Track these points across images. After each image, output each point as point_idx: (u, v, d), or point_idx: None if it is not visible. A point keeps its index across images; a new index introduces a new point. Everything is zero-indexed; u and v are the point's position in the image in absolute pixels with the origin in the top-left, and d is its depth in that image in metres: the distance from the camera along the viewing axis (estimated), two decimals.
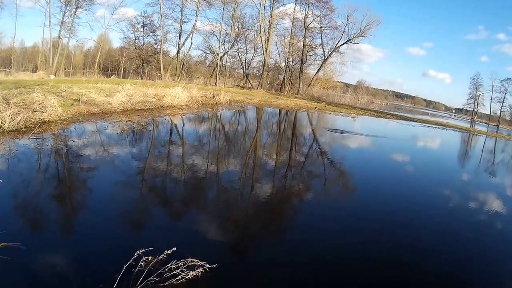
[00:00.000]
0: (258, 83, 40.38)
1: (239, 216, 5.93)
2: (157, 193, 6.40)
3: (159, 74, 36.09)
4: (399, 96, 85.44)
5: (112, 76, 35.08)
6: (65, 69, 37.62)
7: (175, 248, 3.51)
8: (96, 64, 41.05)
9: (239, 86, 41.55)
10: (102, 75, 34.42)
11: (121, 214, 5.17)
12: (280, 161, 10.36)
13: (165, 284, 3.39)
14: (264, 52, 39.05)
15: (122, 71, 42.28)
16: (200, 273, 3.51)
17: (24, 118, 8.98)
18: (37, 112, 9.93)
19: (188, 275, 3.45)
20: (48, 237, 4.34)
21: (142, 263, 3.38)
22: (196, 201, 6.36)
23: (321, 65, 43.48)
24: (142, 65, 41.35)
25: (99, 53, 41.26)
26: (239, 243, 4.93)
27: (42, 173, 6.32)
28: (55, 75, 28.92)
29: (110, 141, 9.39)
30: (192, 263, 3.55)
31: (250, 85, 41.34)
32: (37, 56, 37.73)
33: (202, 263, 3.55)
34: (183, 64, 38.72)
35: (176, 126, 13.46)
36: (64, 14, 33.38)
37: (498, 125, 50.35)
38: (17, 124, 8.67)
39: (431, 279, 4.63)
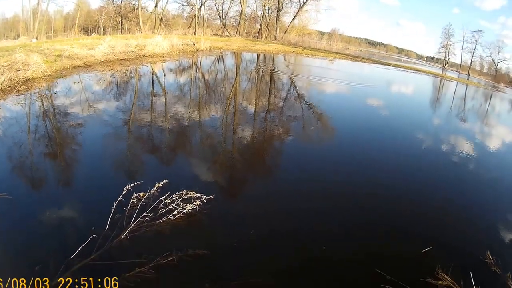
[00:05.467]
0: (236, 31, 37.90)
1: (229, 153, 5.47)
2: (145, 139, 5.74)
3: (138, 29, 33.41)
4: (372, 43, 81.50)
5: (93, 34, 32.26)
6: (46, 33, 34.44)
7: (166, 180, 2.95)
8: (76, 25, 37.61)
9: (217, 35, 38.99)
10: (83, 35, 31.70)
11: (111, 159, 4.58)
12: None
13: (161, 220, 2.84)
14: (241, 1, 36.34)
15: (102, 30, 39.04)
16: (197, 206, 2.98)
17: (8, 78, 8.02)
18: (20, 71, 8.86)
19: (184, 209, 2.92)
20: (37, 184, 3.77)
21: (133, 200, 2.85)
22: (183, 143, 5.80)
23: (297, 13, 40.65)
24: (121, 21, 38.11)
25: (78, 14, 37.75)
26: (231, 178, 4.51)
27: (27, 127, 5.61)
28: (36, 39, 26.35)
29: (95, 92, 8.49)
30: (188, 195, 3.00)
31: (228, 34, 38.91)
32: (18, 25, 34.32)
33: (198, 195, 3.02)
34: (162, 17, 35.86)
35: (158, 74, 12.36)
36: None
37: (469, 74, 49.99)
38: (1, 84, 7.70)
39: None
